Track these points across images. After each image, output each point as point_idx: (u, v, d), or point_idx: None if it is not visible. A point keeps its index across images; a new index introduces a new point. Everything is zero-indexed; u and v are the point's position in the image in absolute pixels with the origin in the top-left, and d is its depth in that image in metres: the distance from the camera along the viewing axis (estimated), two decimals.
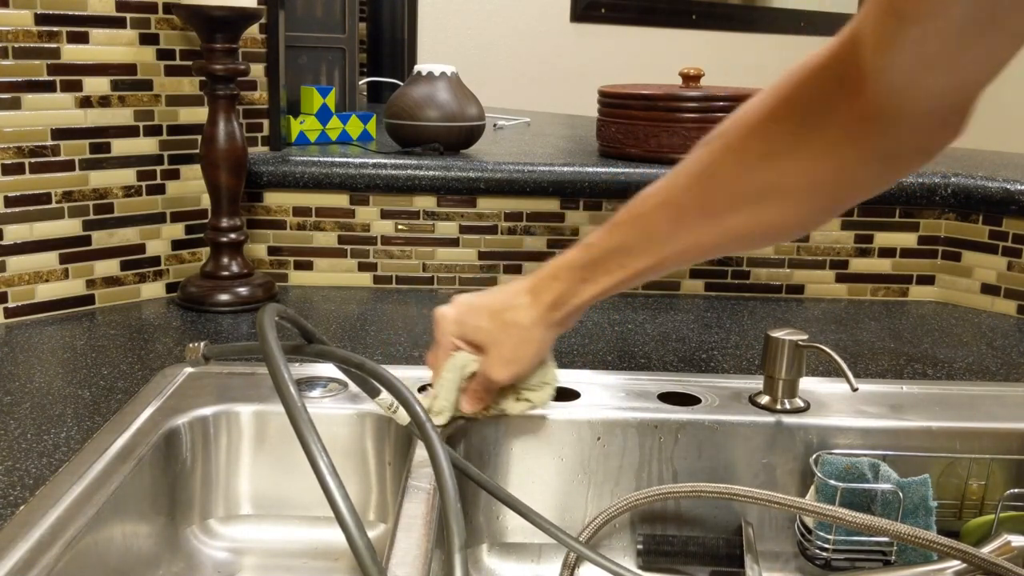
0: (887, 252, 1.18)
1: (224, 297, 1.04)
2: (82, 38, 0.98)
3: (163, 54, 1.04)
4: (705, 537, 0.77)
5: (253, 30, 1.11)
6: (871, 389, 0.84)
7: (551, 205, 1.16)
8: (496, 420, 0.76)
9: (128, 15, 1.01)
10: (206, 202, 1.08)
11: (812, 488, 0.75)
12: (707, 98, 1.17)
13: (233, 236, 1.05)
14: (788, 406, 0.78)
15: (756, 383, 0.81)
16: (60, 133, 0.98)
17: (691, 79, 1.22)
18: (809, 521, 0.74)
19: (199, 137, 1.05)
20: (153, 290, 1.08)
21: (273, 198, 1.15)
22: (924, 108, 0.55)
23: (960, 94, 0.54)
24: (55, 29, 0.96)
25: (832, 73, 0.57)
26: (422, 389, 0.79)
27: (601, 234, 0.67)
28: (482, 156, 1.21)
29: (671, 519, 0.78)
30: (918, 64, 0.51)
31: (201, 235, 1.10)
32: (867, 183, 0.61)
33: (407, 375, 0.75)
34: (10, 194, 0.96)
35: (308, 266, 1.17)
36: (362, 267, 1.17)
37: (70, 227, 1.01)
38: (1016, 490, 0.74)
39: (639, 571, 0.75)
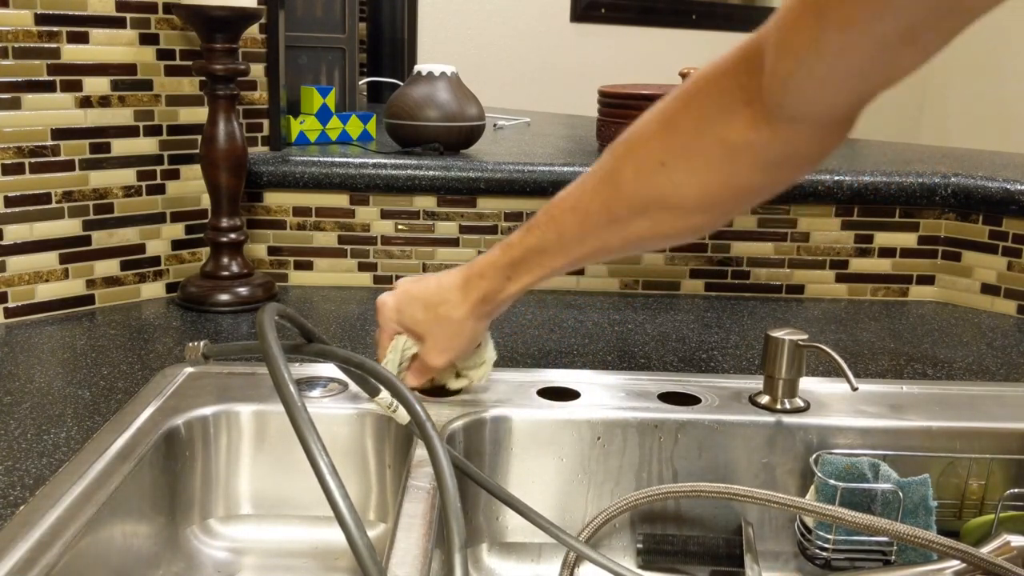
0: (887, 252, 1.18)
1: (224, 297, 1.04)
2: (82, 38, 0.98)
3: (163, 54, 1.04)
4: (705, 537, 0.77)
5: (253, 30, 1.11)
6: (871, 389, 0.84)
7: None
8: (496, 420, 0.76)
9: (128, 15, 1.01)
10: (206, 202, 1.08)
11: (812, 488, 0.75)
12: None
13: (233, 236, 1.05)
14: (788, 406, 0.78)
15: (756, 383, 0.81)
16: (60, 133, 0.98)
17: None
18: (809, 521, 0.74)
19: (199, 137, 1.05)
20: (153, 290, 1.08)
21: (273, 198, 1.15)
22: (821, 116, 0.56)
23: (859, 103, 0.55)
24: (55, 29, 0.96)
25: (733, 81, 0.58)
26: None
27: (520, 235, 0.71)
28: (482, 156, 1.21)
29: (671, 519, 0.78)
30: (831, 72, 0.52)
31: (201, 235, 1.10)
32: (757, 190, 0.63)
33: None
34: (10, 194, 0.96)
35: (308, 266, 1.17)
36: (362, 267, 1.17)
37: (70, 227, 1.01)
38: (1016, 490, 0.74)
39: (639, 571, 0.75)
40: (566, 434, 0.77)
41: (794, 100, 0.55)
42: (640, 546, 0.76)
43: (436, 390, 0.78)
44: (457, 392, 0.79)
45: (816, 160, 0.60)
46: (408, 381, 0.76)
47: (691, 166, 0.61)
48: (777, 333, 0.77)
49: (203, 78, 1.05)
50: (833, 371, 0.87)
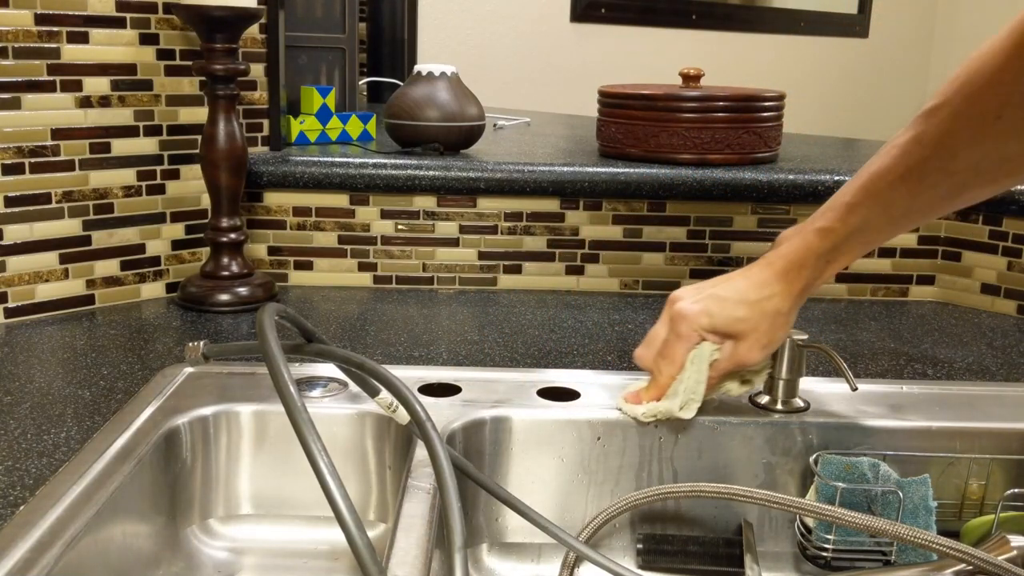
0: (887, 252, 1.18)
1: (224, 297, 1.04)
2: (82, 38, 0.98)
3: (163, 54, 1.04)
4: (705, 537, 0.77)
5: (253, 30, 1.11)
6: (871, 389, 0.84)
7: (551, 205, 1.16)
8: (496, 420, 0.76)
9: (128, 15, 1.01)
10: (206, 202, 1.08)
11: (812, 488, 0.75)
12: (707, 98, 1.17)
13: (233, 236, 1.05)
14: (788, 406, 0.78)
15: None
16: (60, 133, 0.98)
17: (691, 79, 1.22)
18: (809, 521, 0.74)
19: (199, 137, 1.05)
20: (153, 290, 1.08)
21: (273, 198, 1.15)
22: None
23: None
24: (55, 29, 0.96)
25: None
26: (426, 389, 0.79)
27: (838, 216, 0.71)
28: (482, 156, 1.21)
29: (671, 519, 0.78)
30: None
31: (201, 235, 1.10)
32: None
33: (407, 375, 0.75)
34: (10, 194, 0.96)
35: (308, 266, 1.17)
36: (362, 267, 1.17)
37: (70, 227, 1.01)
38: (1016, 490, 0.74)
39: (639, 571, 0.75)
40: (566, 434, 0.77)
41: None
42: (640, 546, 0.76)
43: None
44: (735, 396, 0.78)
45: None
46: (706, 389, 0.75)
47: None
48: None
49: (203, 78, 1.05)
50: (833, 371, 0.87)
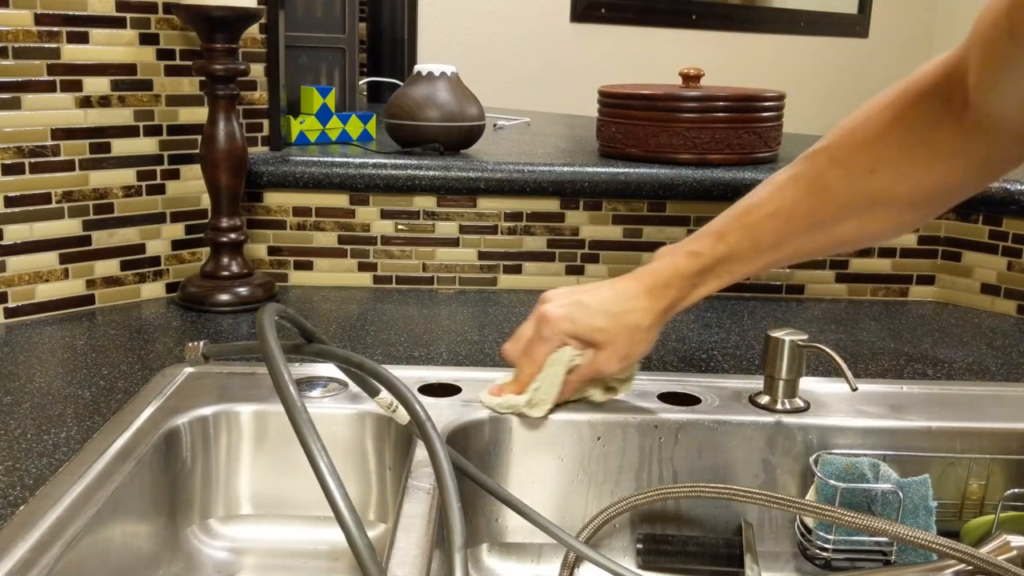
0: (887, 252, 1.18)
1: (224, 297, 1.04)
2: (82, 38, 0.98)
3: (163, 54, 1.04)
4: (705, 537, 0.77)
5: (253, 30, 1.11)
6: (871, 389, 0.84)
7: (551, 205, 1.16)
8: (496, 420, 0.76)
9: (128, 15, 1.01)
10: (206, 202, 1.08)
11: (812, 488, 0.75)
12: (707, 98, 1.17)
13: (233, 236, 1.05)
14: (788, 406, 0.78)
15: (756, 383, 0.81)
16: (60, 133, 0.98)
17: (691, 79, 1.22)
18: (809, 521, 0.74)
19: (199, 137, 1.05)
20: (153, 290, 1.08)
21: (273, 198, 1.15)
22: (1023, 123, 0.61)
23: None
24: (55, 29, 0.96)
25: (938, 95, 0.63)
26: (426, 389, 0.79)
27: (708, 242, 0.73)
28: (482, 156, 1.21)
29: (671, 519, 0.78)
30: None
31: (201, 235, 1.10)
32: (966, 188, 0.67)
33: (407, 375, 0.75)
34: (10, 194, 0.96)
35: (308, 266, 1.17)
36: (362, 267, 1.17)
37: (70, 227, 1.01)
38: (1016, 490, 0.74)
39: (639, 571, 0.75)
40: (566, 434, 0.77)
41: (998, 111, 0.60)
42: (640, 546, 0.76)
43: (573, 403, 0.78)
44: (598, 404, 0.78)
45: (1020, 160, 0.65)
46: (563, 392, 0.75)
47: (903, 171, 0.65)
48: (777, 333, 0.77)
49: (203, 78, 1.05)
50: (833, 371, 0.87)
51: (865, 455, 0.75)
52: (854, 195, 0.68)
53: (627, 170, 1.15)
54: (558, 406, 0.77)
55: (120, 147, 1.03)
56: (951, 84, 0.62)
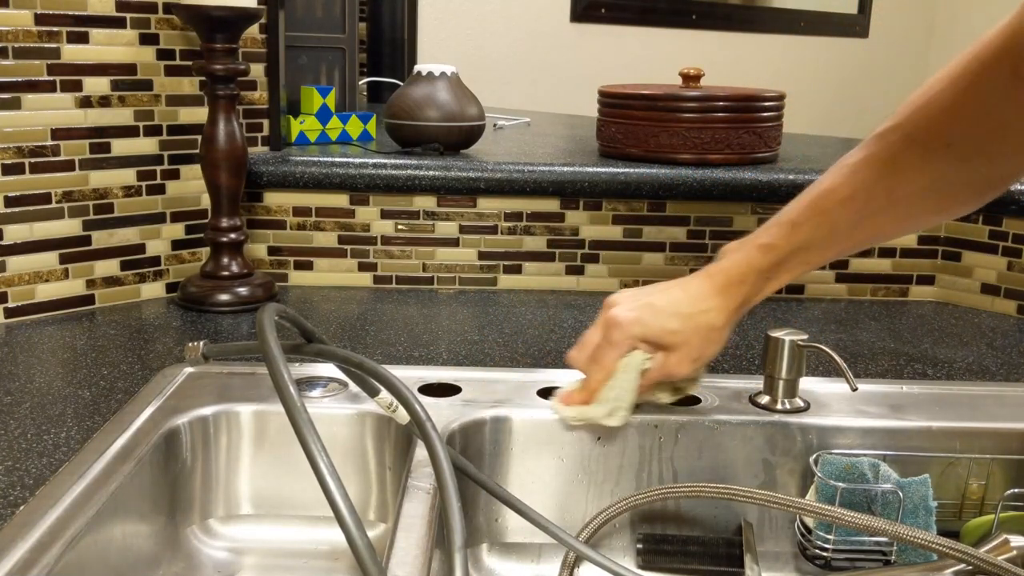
0: (887, 252, 1.18)
1: (224, 297, 1.04)
2: (82, 38, 0.98)
3: (163, 54, 1.04)
4: (705, 537, 0.77)
5: (253, 30, 1.11)
6: (871, 389, 0.84)
7: (551, 205, 1.16)
8: (496, 420, 0.76)
9: (128, 15, 1.01)
10: (206, 202, 1.08)
11: (812, 488, 0.75)
12: (707, 98, 1.17)
13: (233, 236, 1.05)
14: (788, 406, 0.78)
15: (756, 383, 0.81)
16: (60, 133, 0.98)
17: (691, 79, 1.22)
18: (809, 521, 0.74)
19: (199, 137, 1.05)
20: (153, 290, 1.08)
21: (273, 198, 1.15)
22: None
23: None
24: (55, 29, 0.96)
25: (1001, 63, 0.62)
26: (426, 389, 0.79)
27: (781, 233, 0.71)
28: (482, 156, 1.21)
29: (671, 519, 0.78)
30: None
31: (201, 235, 1.10)
32: None
33: (407, 375, 0.75)
34: (10, 194, 0.96)
35: (308, 266, 1.17)
36: (362, 267, 1.17)
37: (70, 227, 1.01)
38: (1016, 490, 0.74)
39: (639, 571, 0.75)
40: (566, 434, 0.77)
41: None
42: (640, 546, 0.76)
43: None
44: (665, 405, 0.78)
45: None
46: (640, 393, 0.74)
47: (980, 142, 0.64)
48: (777, 333, 0.77)
49: (203, 78, 1.05)
50: (833, 371, 0.87)
51: (865, 455, 0.75)
52: (931, 171, 0.66)
53: (627, 170, 1.15)
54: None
55: (120, 147, 1.03)
56: (1013, 53, 0.61)
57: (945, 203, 0.69)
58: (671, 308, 0.72)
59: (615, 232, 1.17)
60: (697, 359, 0.73)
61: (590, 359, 0.74)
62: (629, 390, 0.73)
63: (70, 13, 0.97)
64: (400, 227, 1.16)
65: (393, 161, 1.15)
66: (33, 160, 0.97)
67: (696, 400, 0.80)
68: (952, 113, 0.65)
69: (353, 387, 0.78)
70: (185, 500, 0.74)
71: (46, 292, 1.00)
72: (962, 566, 0.66)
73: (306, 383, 0.80)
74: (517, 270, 1.18)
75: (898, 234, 0.72)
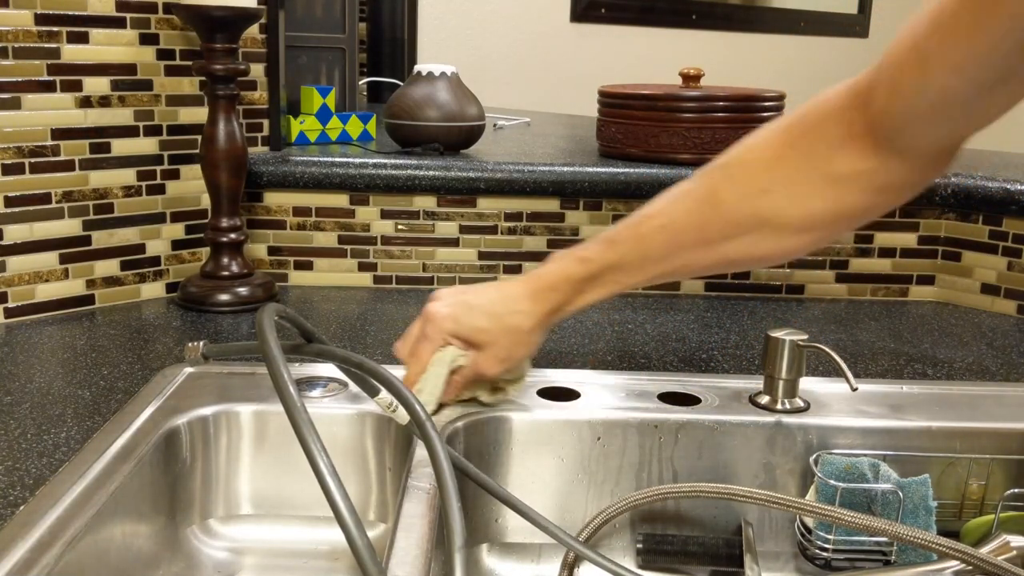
0: (887, 252, 1.18)
1: (224, 297, 1.04)
2: (82, 38, 0.98)
3: (163, 54, 1.04)
4: (705, 537, 0.77)
5: (253, 30, 1.11)
6: (871, 389, 0.84)
7: (551, 205, 1.16)
8: (496, 420, 0.76)
9: (128, 15, 1.01)
10: (206, 202, 1.08)
11: (812, 488, 0.75)
12: (707, 98, 1.17)
13: (233, 236, 1.05)
14: (788, 406, 0.78)
15: (756, 383, 0.81)
16: (60, 133, 0.98)
17: (691, 79, 1.22)
18: (809, 521, 0.74)
19: (199, 137, 1.05)
20: (153, 290, 1.08)
21: (273, 198, 1.15)
22: (927, 148, 0.62)
23: (959, 140, 0.61)
24: (55, 29, 0.96)
25: (841, 119, 0.63)
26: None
27: (599, 249, 0.72)
28: (482, 156, 1.21)
29: (671, 519, 0.78)
30: (935, 111, 0.58)
31: (201, 235, 1.10)
32: (859, 216, 0.67)
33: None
34: (10, 194, 0.96)
35: (308, 266, 1.17)
36: (362, 267, 1.17)
37: (70, 227, 1.01)
38: (1016, 490, 0.74)
39: (639, 571, 0.75)
40: (566, 434, 0.77)
41: (903, 134, 0.61)
42: (640, 546, 0.76)
43: (463, 402, 0.77)
44: (488, 405, 0.78)
45: (918, 187, 0.65)
46: (447, 392, 0.74)
47: (796, 193, 0.65)
48: (777, 333, 0.77)
49: (203, 78, 1.05)
50: (833, 371, 0.87)
51: (865, 455, 0.75)
52: (745, 214, 0.67)
53: (627, 170, 1.15)
54: (443, 406, 0.76)
55: (120, 147, 1.03)
56: (855, 107, 0.63)
57: (754, 250, 0.68)
58: (484, 307, 0.73)
59: None
60: (505, 359, 0.74)
61: (410, 352, 0.75)
62: (438, 384, 0.73)
63: (70, 13, 0.97)
64: (400, 227, 1.16)
65: (393, 161, 1.15)
66: (33, 160, 0.97)
67: (696, 400, 0.80)
68: (776, 160, 0.66)
69: (353, 387, 0.78)
70: (185, 500, 0.74)
71: (46, 292, 1.00)
72: (962, 566, 0.66)
73: (306, 383, 0.80)
74: (517, 270, 1.18)
75: (714, 271, 0.72)
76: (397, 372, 0.64)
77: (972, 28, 0.52)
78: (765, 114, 1.20)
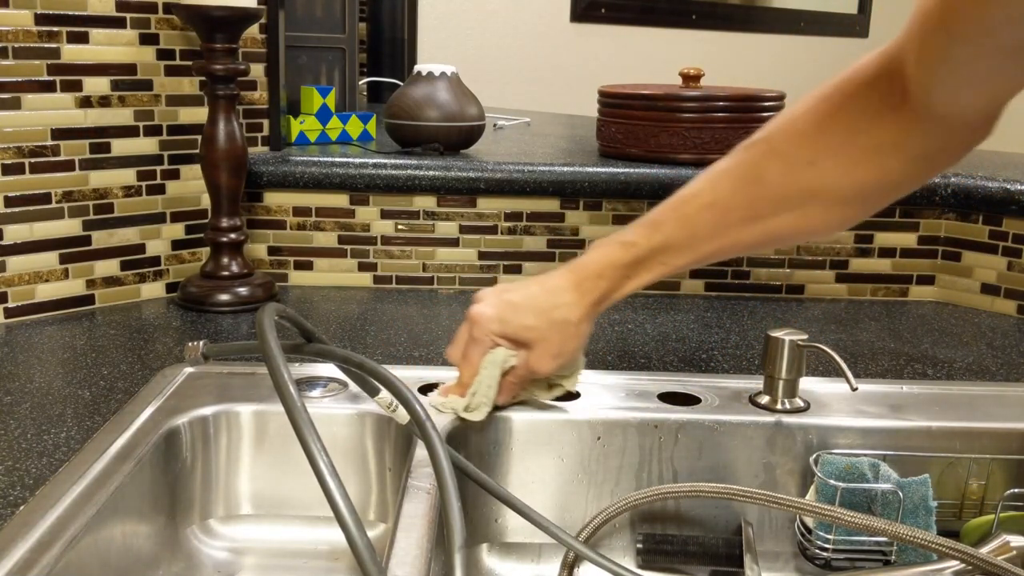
0: (887, 252, 1.18)
1: (224, 297, 1.04)
2: (82, 38, 0.98)
3: (163, 54, 1.04)
4: (705, 537, 0.77)
5: (253, 30, 1.11)
6: (871, 389, 0.84)
7: (551, 205, 1.16)
8: (496, 420, 0.76)
9: (128, 15, 1.01)
10: (206, 202, 1.08)
11: (812, 488, 0.75)
12: (707, 98, 1.17)
13: (233, 236, 1.05)
14: (788, 406, 0.78)
15: (756, 383, 0.81)
16: (60, 133, 0.98)
17: (691, 79, 1.22)
18: (809, 521, 0.74)
19: (199, 137, 1.05)
20: (153, 290, 1.08)
21: (273, 198, 1.15)
22: (961, 117, 0.61)
23: (995, 104, 0.60)
24: (55, 29, 0.96)
25: (877, 87, 0.62)
26: (426, 389, 0.79)
27: (643, 232, 0.70)
28: (482, 156, 1.21)
29: (671, 519, 0.78)
30: (963, 80, 0.56)
31: (201, 235, 1.10)
32: (904, 184, 0.66)
33: (407, 374, 0.75)
34: (10, 194, 0.96)
35: (308, 266, 1.17)
36: (362, 267, 1.17)
37: (70, 227, 1.01)
38: (1016, 490, 0.74)
39: (638, 571, 0.75)
40: (566, 434, 0.77)
41: (937, 103, 0.59)
42: (640, 546, 0.76)
43: (521, 403, 0.77)
44: (547, 403, 0.77)
45: (961, 154, 0.64)
46: (499, 398, 0.74)
47: (842, 163, 0.64)
48: (777, 333, 0.77)
49: (203, 78, 1.05)
50: (833, 371, 0.87)
51: (865, 455, 0.75)
52: (792, 187, 0.66)
53: (627, 170, 1.15)
54: (499, 408, 0.75)
55: (120, 147, 1.03)
56: (890, 77, 0.62)
57: (803, 224, 0.68)
58: (528, 304, 0.72)
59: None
60: (558, 355, 0.73)
61: (461, 355, 0.75)
62: (491, 387, 0.73)
63: (70, 13, 0.97)
64: (400, 227, 1.16)
65: (393, 161, 1.15)
66: (33, 160, 0.97)
67: (696, 400, 0.80)
68: (818, 131, 0.65)
69: (353, 387, 0.78)
70: (185, 500, 0.74)
71: (46, 292, 1.00)
72: (962, 566, 0.66)
73: (306, 383, 0.80)
74: (517, 270, 1.18)
75: (761, 247, 0.71)
76: (397, 372, 0.64)
77: None
78: (765, 114, 1.20)
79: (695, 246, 0.70)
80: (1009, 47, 0.52)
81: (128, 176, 1.04)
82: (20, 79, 0.95)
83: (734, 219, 0.68)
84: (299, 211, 1.15)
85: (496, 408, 0.75)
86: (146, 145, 1.05)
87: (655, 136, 1.18)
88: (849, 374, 0.72)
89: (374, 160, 1.15)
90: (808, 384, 0.82)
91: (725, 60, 2.93)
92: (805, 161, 0.65)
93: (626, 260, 0.71)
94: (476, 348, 0.73)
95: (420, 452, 0.68)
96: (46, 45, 0.96)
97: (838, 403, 0.80)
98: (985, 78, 0.56)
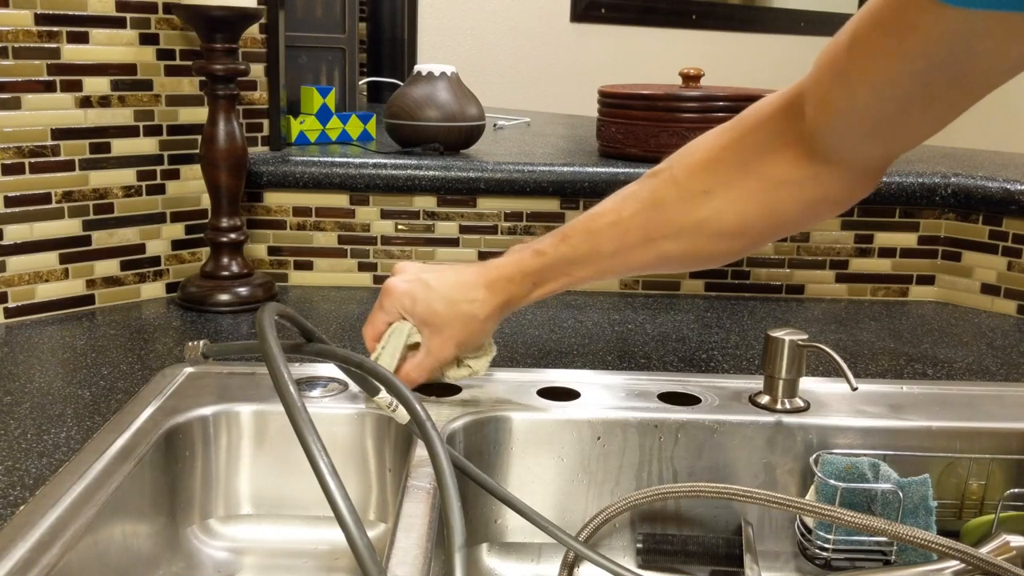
0: (887, 252, 1.18)
1: (224, 297, 1.04)
2: (82, 38, 0.98)
3: (163, 54, 1.04)
4: (705, 537, 0.77)
5: (253, 30, 1.11)
6: (871, 389, 0.84)
7: (551, 205, 1.16)
8: (496, 420, 0.76)
9: (128, 15, 1.01)
10: (206, 202, 1.08)
11: (812, 488, 0.75)
12: (707, 98, 1.17)
13: (233, 236, 1.05)
14: (788, 406, 0.78)
15: (756, 383, 0.81)
16: (60, 133, 0.98)
17: (691, 79, 1.22)
18: (809, 521, 0.74)
19: (199, 137, 1.05)
20: (153, 290, 1.08)
21: (273, 198, 1.15)
22: (854, 163, 0.63)
23: (886, 156, 0.63)
24: (55, 29, 0.96)
25: (774, 123, 0.65)
26: (425, 389, 0.79)
27: (552, 242, 0.74)
28: (482, 156, 1.21)
29: (671, 519, 0.78)
30: (859, 130, 0.59)
31: (201, 235, 1.10)
32: (790, 225, 0.70)
33: None
34: (10, 194, 0.96)
35: (308, 266, 1.17)
36: (362, 267, 1.17)
37: (70, 227, 1.01)
38: (1016, 490, 0.74)
39: (638, 571, 0.75)
40: (566, 434, 0.77)
41: (830, 148, 0.62)
42: (640, 546, 0.76)
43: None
44: (454, 385, 0.78)
45: (846, 203, 0.67)
46: (410, 374, 0.76)
47: (734, 196, 0.66)
48: (777, 333, 0.77)
49: (203, 78, 1.05)
50: (833, 371, 0.87)
51: (865, 455, 0.75)
52: (686, 216, 0.68)
53: (627, 170, 1.15)
54: (419, 389, 0.77)
55: (120, 147, 1.03)
56: (787, 116, 0.64)
57: (692, 251, 0.70)
58: (441, 290, 0.75)
59: None
60: (460, 344, 0.75)
61: (367, 320, 0.78)
62: (393, 355, 0.74)
63: (70, 13, 0.97)
64: (400, 227, 1.16)
65: (393, 161, 1.15)
66: (33, 160, 0.97)
67: (696, 400, 0.80)
68: (716, 161, 0.67)
69: (353, 387, 0.78)
70: (185, 500, 0.74)
71: (46, 292, 1.00)
72: (962, 566, 0.66)
73: (306, 383, 0.80)
74: None
75: (649, 269, 0.74)
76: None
77: (888, 49, 0.52)
78: None
79: (597, 261, 0.72)
80: (906, 97, 0.54)
81: (128, 176, 1.04)
82: (20, 79, 0.95)
83: (633, 239, 0.70)
84: (299, 211, 1.15)
85: (418, 388, 0.76)
86: (146, 145, 1.05)
87: (655, 136, 1.18)
88: (849, 374, 0.72)
89: (374, 160, 1.15)
90: (808, 384, 0.82)
91: (725, 60, 2.93)
92: (700, 190, 0.67)
93: (535, 267, 0.74)
94: (382, 316, 0.76)
95: (420, 452, 0.68)
96: (46, 45, 0.96)
97: (838, 403, 0.80)
98: (881, 129, 0.58)
